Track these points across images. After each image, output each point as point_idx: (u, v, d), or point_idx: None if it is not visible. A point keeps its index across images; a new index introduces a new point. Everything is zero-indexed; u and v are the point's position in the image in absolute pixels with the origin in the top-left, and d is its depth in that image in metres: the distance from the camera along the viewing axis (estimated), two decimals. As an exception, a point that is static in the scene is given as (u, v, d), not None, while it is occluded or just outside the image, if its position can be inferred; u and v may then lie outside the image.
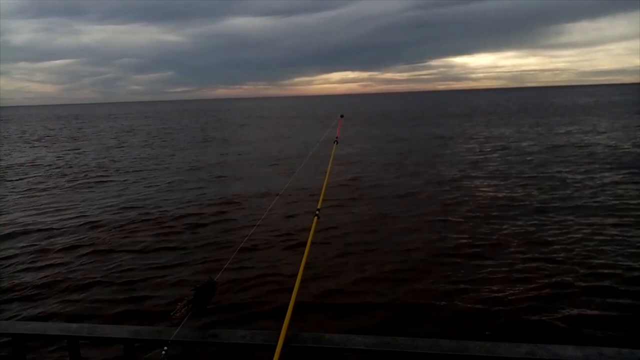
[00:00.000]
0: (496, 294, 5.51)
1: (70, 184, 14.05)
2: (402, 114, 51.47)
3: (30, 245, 7.99)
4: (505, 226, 8.10)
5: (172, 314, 1.72)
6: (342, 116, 4.35)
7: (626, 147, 17.31)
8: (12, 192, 13.23)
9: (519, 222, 8.28)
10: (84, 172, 16.35)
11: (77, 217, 9.84)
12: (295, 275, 1.77)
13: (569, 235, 7.45)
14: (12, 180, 15.15)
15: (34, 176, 15.85)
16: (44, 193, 12.81)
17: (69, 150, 24.31)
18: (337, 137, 3.58)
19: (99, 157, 20.54)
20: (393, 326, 4.91)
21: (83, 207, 10.72)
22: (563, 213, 8.73)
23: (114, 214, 10.05)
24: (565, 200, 9.72)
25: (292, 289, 1.66)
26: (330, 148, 3.31)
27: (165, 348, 1.55)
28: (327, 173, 2.84)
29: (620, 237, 7.28)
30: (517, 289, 5.63)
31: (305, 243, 1.95)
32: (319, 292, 5.69)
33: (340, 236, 7.89)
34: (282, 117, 54.90)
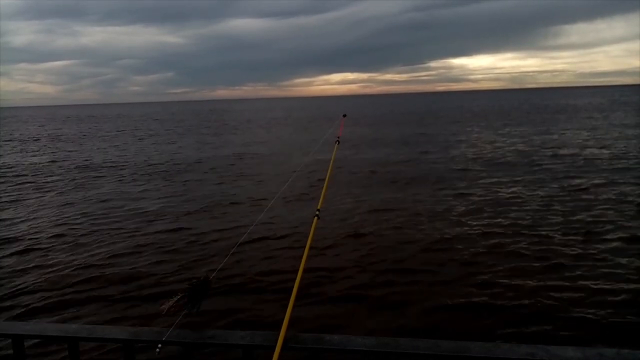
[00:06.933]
0: (495, 295, 5.52)
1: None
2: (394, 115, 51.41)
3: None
4: (504, 224, 8.11)
5: (162, 306, 1.70)
6: (344, 115, 4.33)
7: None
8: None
9: (510, 220, 8.30)
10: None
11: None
12: (295, 275, 1.75)
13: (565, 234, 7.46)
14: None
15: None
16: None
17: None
18: (338, 137, 3.53)
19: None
20: (392, 327, 4.91)
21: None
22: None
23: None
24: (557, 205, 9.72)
25: (291, 289, 1.65)
26: (331, 147, 3.26)
27: (160, 346, 1.56)
28: (328, 173, 2.79)
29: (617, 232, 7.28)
30: (515, 290, 5.64)
31: (305, 243, 1.92)
32: (319, 292, 5.69)
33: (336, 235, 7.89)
34: (281, 118, 54.94)
